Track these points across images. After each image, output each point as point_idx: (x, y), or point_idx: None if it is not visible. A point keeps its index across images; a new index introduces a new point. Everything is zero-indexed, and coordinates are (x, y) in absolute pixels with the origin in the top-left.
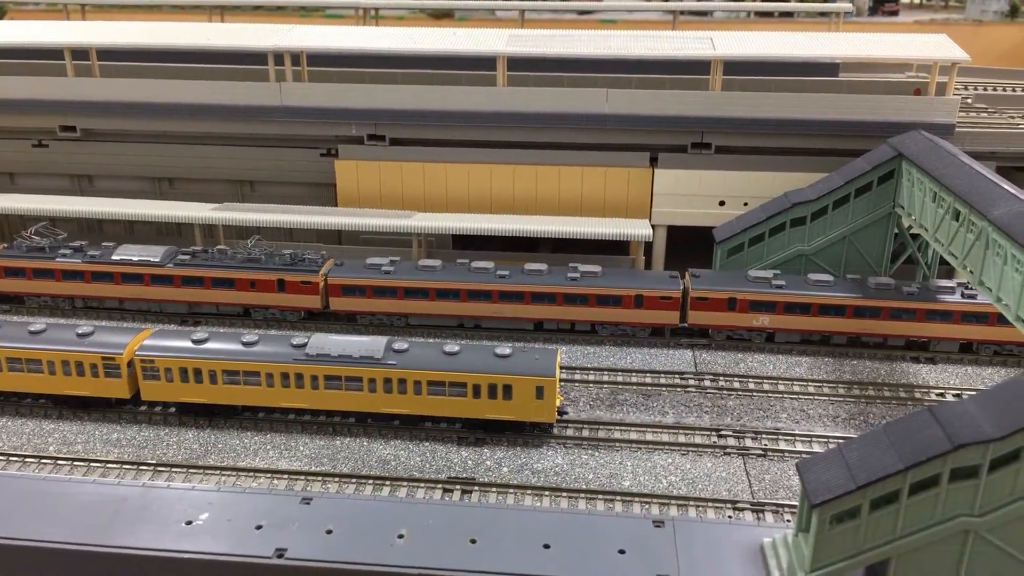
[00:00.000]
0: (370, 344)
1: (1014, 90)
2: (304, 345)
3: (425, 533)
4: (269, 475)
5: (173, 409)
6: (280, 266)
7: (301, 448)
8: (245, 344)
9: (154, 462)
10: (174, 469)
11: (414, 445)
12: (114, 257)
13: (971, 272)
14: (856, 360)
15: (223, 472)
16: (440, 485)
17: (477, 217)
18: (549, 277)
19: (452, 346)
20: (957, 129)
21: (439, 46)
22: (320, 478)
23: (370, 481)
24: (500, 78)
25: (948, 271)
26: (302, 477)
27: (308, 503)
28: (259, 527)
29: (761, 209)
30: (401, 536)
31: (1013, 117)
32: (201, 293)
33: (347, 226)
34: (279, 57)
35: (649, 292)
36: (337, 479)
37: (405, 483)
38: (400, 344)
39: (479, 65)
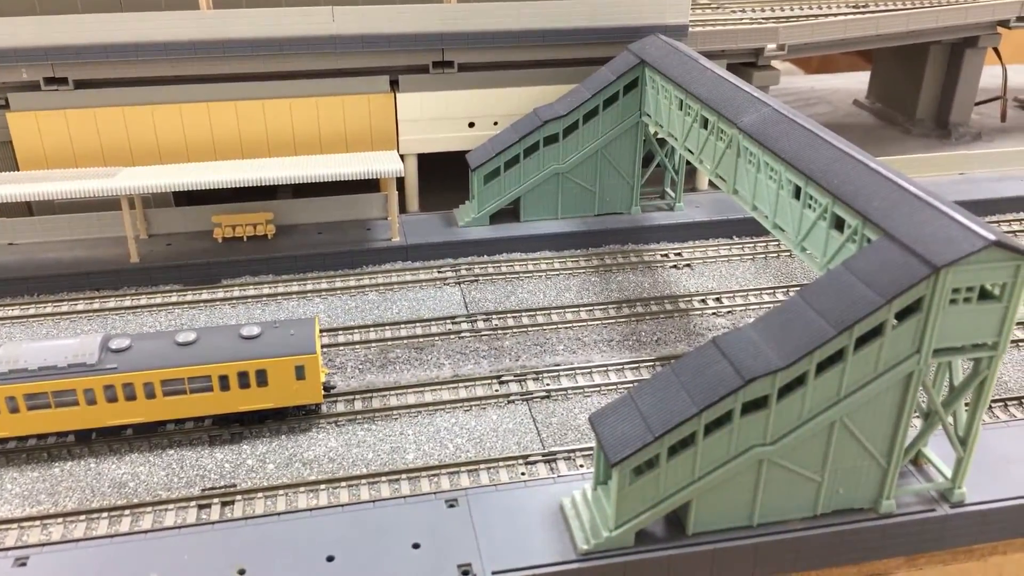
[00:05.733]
0: (79, 347)
1: None
2: None
3: (180, 573)
4: None
5: None
6: None
7: (8, 486)
8: None
9: None
10: None
11: (155, 457)
12: None
13: (724, 180)
14: (621, 275)
15: None
16: (194, 502)
17: (199, 167)
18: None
19: (187, 334)
20: (689, 29)
21: None
22: (39, 523)
23: (104, 514)
24: None
25: (691, 171)
26: (14, 526)
27: (24, 564)
28: None
29: (513, 129)
30: None
31: (735, 12)
32: None
33: (34, 195)
34: None
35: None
36: (61, 520)
37: (149, 508)
38: (119, 341)
39: None
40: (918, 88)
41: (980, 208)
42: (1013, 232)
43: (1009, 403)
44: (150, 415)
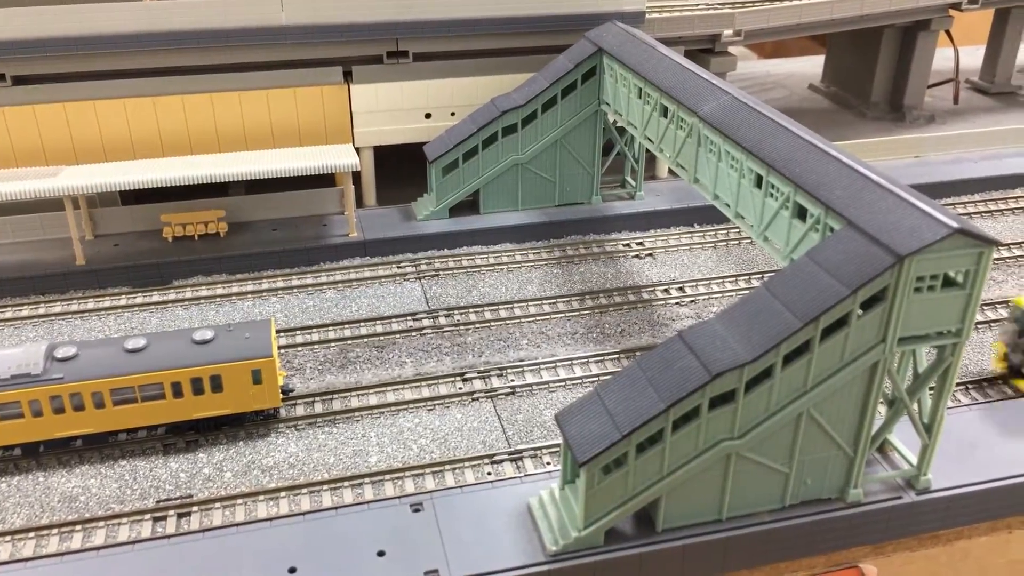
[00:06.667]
0: (23, 357)
1: None
2: None
3: None
4: None
5: None
6: None
7: None
8: None
9: None
10: None
11: (107, 468)
12: None
13: (685, 169)
14: (583, 266)
15: None
16: (148, 515)
17: (146, 164)
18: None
19: (136, 340)
20: (646, 16)
21: None
22: None
23: (54, 531)
24: None
25: (651, 159)
26: None
27: None
28: None
29: (470, 120)
30: None
31: None
32: None
33: None
34: None
35: None
36: (9, 538)
37: (102, 523)
38: (65, 350)
39: None
40: (872, 72)
41: (936, 191)
42: (968, 214)
43: (970, 386)
44: (100, 425)
